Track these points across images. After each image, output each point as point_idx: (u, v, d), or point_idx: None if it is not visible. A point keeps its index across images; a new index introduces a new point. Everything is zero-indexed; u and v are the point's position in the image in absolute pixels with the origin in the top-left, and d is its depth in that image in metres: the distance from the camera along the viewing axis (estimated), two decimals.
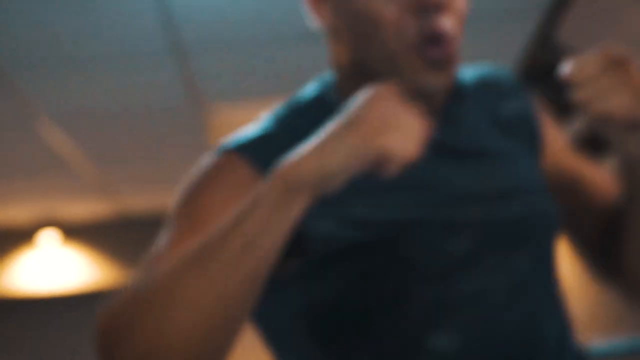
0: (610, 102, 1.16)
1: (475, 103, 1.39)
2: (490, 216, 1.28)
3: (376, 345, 1.26)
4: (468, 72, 1.45)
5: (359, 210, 1.23)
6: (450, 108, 1.34)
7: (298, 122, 1.33)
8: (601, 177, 1.46)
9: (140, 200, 7.18)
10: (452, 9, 1.23)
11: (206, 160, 1.27)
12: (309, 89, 1.39)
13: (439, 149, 1.31)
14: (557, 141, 1.48)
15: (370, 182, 1.26)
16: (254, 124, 1.30)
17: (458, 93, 1.35)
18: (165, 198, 7.20)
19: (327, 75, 1.39)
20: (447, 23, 1.21)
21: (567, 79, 1.18)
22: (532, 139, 1.42)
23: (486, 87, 1.43)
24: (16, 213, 7.13)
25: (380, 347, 1.26)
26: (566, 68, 1.18)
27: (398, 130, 1.01)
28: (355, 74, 1.32)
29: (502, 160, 1.34)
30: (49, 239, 7.43)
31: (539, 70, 5.69)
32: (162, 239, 1.18)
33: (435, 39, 1.21)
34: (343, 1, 1.27)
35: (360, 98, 1.04)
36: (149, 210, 7.54)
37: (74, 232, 7.53)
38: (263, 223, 1.00)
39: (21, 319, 7.75)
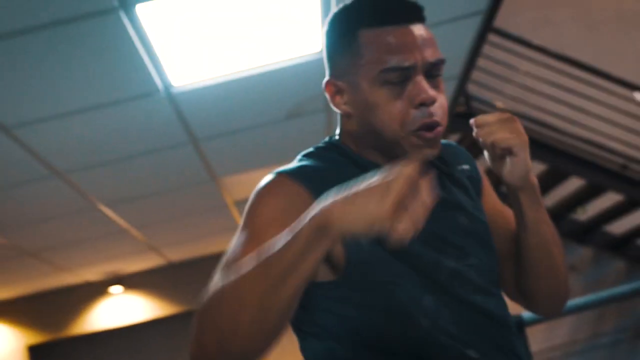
0: (495, 136, 1.22)
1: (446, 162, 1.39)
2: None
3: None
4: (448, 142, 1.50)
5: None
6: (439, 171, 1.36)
7: (322, 157, 1.32)
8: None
9: (179, 252, 7.19)
10: (440, 103, 1.25)
11: (265, 180, 1.29)
12: (319, 144, 1.39)
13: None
14: (490, 193, 1.48)
15: None
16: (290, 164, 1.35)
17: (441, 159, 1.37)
18: (198, 248, 7.19)
19: (328, 137, 1.40)
20: (439, 113, 1.24)
21: (473, 124, 1.26)
22: (478, 194, 1.43)
23: (449, 154, 1.42)
24: (91, 272, 7.15)
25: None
26: (473, 119, 1.27)
27: (409, 212, 0.96)
28: (363, 138, 1.31)
29: (466, 212, 1.35)
30: (115, 289, 7.46)
31: (461, 116, 5.70)
32: (234, 243, 1.21)
33: (431, 126, 1.23)
34: (358, 96, 1.26)
35: (390, 173, 0.98)
36: (187, 259, 7.53)
37: (134, 281, 7.54)
38: (297, 255, 1.00)
39: (101, 347, 7.72)
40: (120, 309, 7.49)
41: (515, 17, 7.88)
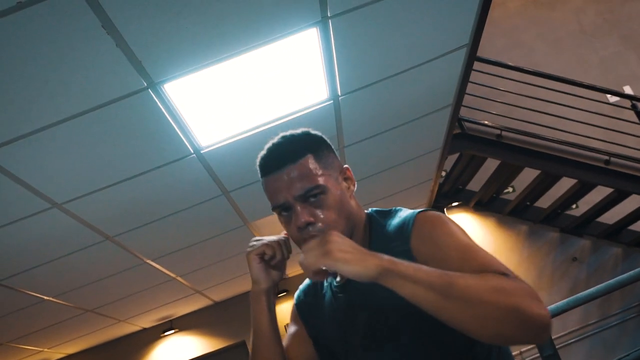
0: (309, 265, 1.27)
1: (378, 247, 1.41)
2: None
3: None
4: (392, 218, 1.53)
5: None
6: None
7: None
8: None
9: (221, 293, 7.15)
10: (323, 217, 1.43)
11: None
12: None
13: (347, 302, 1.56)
14: (425, 252, 1.39)
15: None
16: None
17: (369, 242, 1.52)
18: (238, 286, 7.13)
19: None
20: (318, 226, 1.42)
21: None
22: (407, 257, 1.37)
23: (387, 235, 1.49)
24: (146, 320, 7.12)
25: None
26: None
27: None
28: None
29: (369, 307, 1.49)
30: (169, 332, 7.42)
31: (456, 137, 5.55)
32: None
33: (308, 240, 1.36)
34: (281, 224, 1.51)
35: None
36: (228, 297, 7.50)
37: (184, 322, 7.51)
38: (252, 312, 1.54)
39: None
40: (174, 349, 7.44)
41: (489, 44, 7.90)
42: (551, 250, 7.47)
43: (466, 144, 6.40)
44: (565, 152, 6.67)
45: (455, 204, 7.57)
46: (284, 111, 3.56)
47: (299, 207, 1.42)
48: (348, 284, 1.54)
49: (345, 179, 1.53)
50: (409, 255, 1.37)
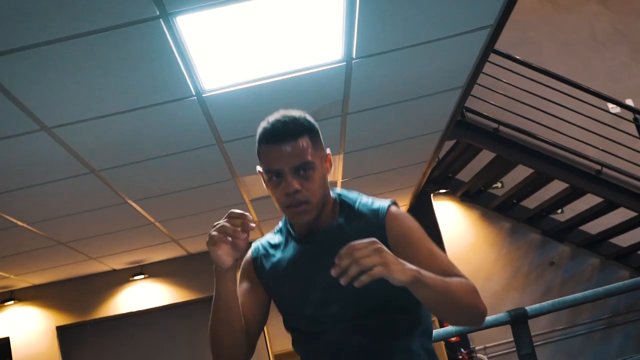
0: (361, 260, 1.40)
1: (347, 220, 1.74)
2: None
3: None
4: (362, 199, 1.79)
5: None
6: (324, 232, 1.73)
7: (273, 237, 1.87)
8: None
9: (198, 244, 7.04)
10: (308, 188, 1.65)
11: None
12: (282, 219, 1.88)
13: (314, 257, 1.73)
14: (402, 243, 1.66)
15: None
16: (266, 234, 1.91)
17: (336, 218, 1.75)
18: None
19: None
20: (305, 195, 1.65)
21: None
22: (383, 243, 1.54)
23: (357, 211, 1.75)
24: (117, 261, 7.00)
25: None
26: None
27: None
28: None
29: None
30: (139, 277, 7.31)
31: (457, 124, 5.45)
32: None
33: (294, 205, 1.65)
34: (265, 183, 1.71)
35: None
36: (205, 250, 7.38)
37: (155, 269, 7.40)
38: (217, 289, 1.65)
39: (123, 329, 7.60)
40: (141, 295, 7.34)
41: None
42: (530, 251, 7.42)
43: (464, 132, 6.28)
44: (559, 155, 6.59)
45: (443, 191, 7.48)
46: (293, 66, 3.40)
47: (290, 177, 1.65)
48: (309, 237, 1.76)
49: (327, 162, 1.75)
50: (383, 236, 1.63)
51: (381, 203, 1.75)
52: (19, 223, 4.82)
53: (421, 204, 7.14)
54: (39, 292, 7.18)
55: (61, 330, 7.24)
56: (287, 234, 1.83)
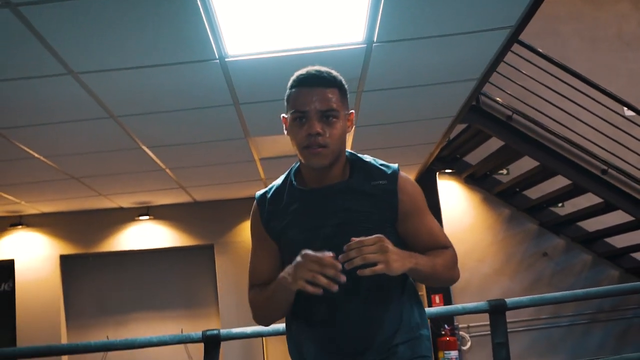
0: (366, 256, 1.65)
1: (358, 180, 1.87)
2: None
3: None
4: (372, 161, 1.93)
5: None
6: (331, 187, 1.86)
7: (278, 189, 1.95)
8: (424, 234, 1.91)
9: (204, 193, 7.21)
10: (329, 133, 1.77)
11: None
12: (287, 172, 1.97)
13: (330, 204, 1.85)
14: (411, 213, 1.88)
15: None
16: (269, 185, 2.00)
17: (349, 175, 1.88)
18: (221, 192, 7.21)
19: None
20: (326, 140, 1.77)
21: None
22: (392, 205, 1.84)
23: (366, 171, 1.88)
24: (125, 200, 7.19)
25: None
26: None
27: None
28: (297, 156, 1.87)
29: (358, 218, 1.83)
30: (144, 217, 7.50)
31: (470, 109, 5.52)
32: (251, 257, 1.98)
33: (312, 146, 1.77)
34: (288, 127, 1.84)
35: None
36: (209, 200, 7.57)
37: (160, 212, 7.59)
38: (276, 292, 1.81)
39: (123, 265, 7.81)
40: (145, 235, 7.54)
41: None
42: (525, 239, 7.56)
43: (477, 117, 6.37)
44: (567, 151, 6.69)
45: (449, 171, 7.59)
46: (315, 42, 3.52)
47: (315, 119, 1.77)
48: (315, 191, 1.87)
49: (349, 121, 1.88)
50: (394, 195, 1.84)
51: (391, 166, 1.90)
52: (36, 155, 4.99)
53: (426, 181, 7.27)
54: (47, 220, 7.40)
55: (64, 259, 7.48)
56: (291, 185, 1.92)
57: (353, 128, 1.94)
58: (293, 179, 1.92)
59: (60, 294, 7.37)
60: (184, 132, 4.84)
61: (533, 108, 6.68)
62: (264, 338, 7.11)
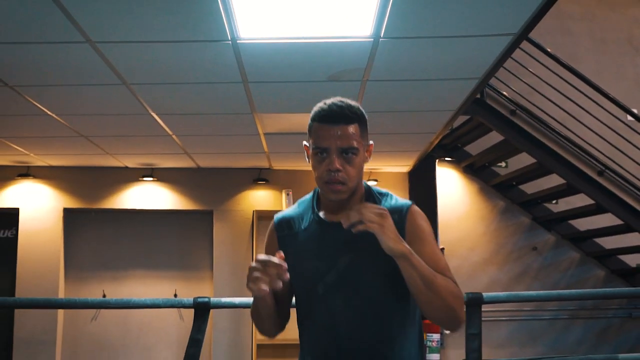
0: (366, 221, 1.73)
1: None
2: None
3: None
4: (388, 198, 2.01)
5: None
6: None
7: (303, 202, 2.08)
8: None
9: (207, 161, 7.38)
10: (347, 171, 1.86)
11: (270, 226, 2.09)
12: (309, 196, 2.07)
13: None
14: (415, 241, 1.89)
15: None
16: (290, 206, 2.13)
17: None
18: (224, 161, 7.40)
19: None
20: (344, 177, 1.86)
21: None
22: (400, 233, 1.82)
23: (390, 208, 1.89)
24: (131, 160, 7.36)
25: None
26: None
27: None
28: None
29: (369, 250, 1.84)
30: (148, 178, 7.67)
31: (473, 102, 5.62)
32: None
33: (332, 182, 1.86)
34: (311, 159, 1.92)
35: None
36: (212, 167, 7.73)
37: (164, 174, 7.75)
38: (256, 303, 1.96)
39: (124, 223, 7.99)
40: (147, 195, 7.71)
41: None
42: (517, 232, 7.74)
43: (480, 110, 6.51)
44: (566, 150, 6.83)
45: (448, 159, 7.74)
46: (325, 33, 3.65)
47: (335, 156, 1.85)
48: (334, 223, 1.93)
49: (368, 152, 1.96)
50: (401, 227, 1.88)
51: (405, 202, 1.98)
52: (49, 112, 5.15)
53: (425, 167, 7.43)
54: (54, 173, 7.58)
55: (67, 212, 7.67)
56: (312, 212, 2.01)
57: (371, 158, 1.97)
58: (315, 206, 2.01)
59: (61, 245, 7.57)
60: (193, 103, 5.00)
61: (536, 106, 6.81)
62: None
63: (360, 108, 1.92)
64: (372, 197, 1.99)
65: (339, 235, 1.87)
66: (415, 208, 1.96)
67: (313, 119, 1.91)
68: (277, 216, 2.08)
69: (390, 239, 1.72)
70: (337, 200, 1.91)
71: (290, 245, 1.99)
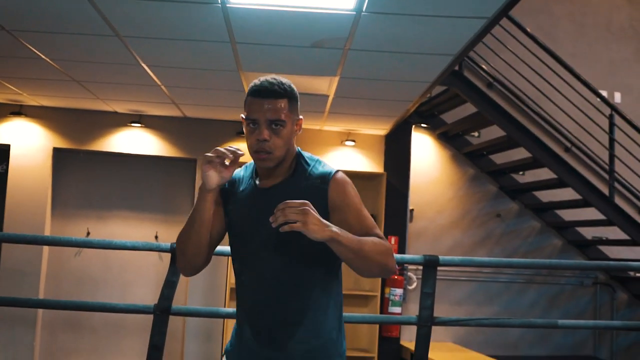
0: (287, 218, 1.80)
1: (298, 179, 2.08)
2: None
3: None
4: (316, 164, 2.12)
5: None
6: (276, 186, 2.10)
7: (246, 174, 2.21)
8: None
9: (194, 111, 7.47)
10: (274, 141, 2.00)
11: None
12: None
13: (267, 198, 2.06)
14: (340, 208, 2.03)
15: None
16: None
17: (291, 174, 2.10)
18: (210, 112, 7.49)
19: None
20: (271, 147, 2.00)
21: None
22: (323, 202, 2.01)
23: (308, 173, 2.09)
24: (120, 106, 7.43)
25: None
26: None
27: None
28: None
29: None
30: (136, 124, 7.74)
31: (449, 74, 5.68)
32: None
33: (259, 151, 2.02)
34: (245, 130, 2.06)
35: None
36: (198, 117, 7.82)
37: (151, 121, 7.83)
38: (197, 206, 2.05)
39: (110, 166, 8.10)
40: (134, 140, 7.79)
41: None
42: (483, 199, 7.96)
43: (457, 82, 6.65)
44: (537, 125, 7.01)
45: (424, 125, 7.90)
46: (310, 3, 3.76)
47: (264, 127, 1.99)
48: (265, 189, 2.09)
49: (297, 126, 2.10)
50: (324, 195, 2.02)
51: (330, 169, 2.08)
52: (43, 56, 5.22)
53: (401, 132, 7.57)
54: (46, 113, 7.62)
55: (57, 152, 7.75)
56: (251, 177, 2.15)
57: (301, 131, 2.10)
58: (254, 172, 2.15)
59: (50, 183, 7.67)
60: (182, 59, 5.09)
61: (511, 83, 6.96)
62: (229, 259, 7.51)
63: (292, 86, 2.06)
64: (301, 164, 2.10)
65: (270, 201, 1.96)
66: (340, 175, 2.06)
67: (248, 94, 2.04)
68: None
69: (315, 231, 1.78)
70: (265, 167, 2.05)
71: (230, 203, 2.16)
